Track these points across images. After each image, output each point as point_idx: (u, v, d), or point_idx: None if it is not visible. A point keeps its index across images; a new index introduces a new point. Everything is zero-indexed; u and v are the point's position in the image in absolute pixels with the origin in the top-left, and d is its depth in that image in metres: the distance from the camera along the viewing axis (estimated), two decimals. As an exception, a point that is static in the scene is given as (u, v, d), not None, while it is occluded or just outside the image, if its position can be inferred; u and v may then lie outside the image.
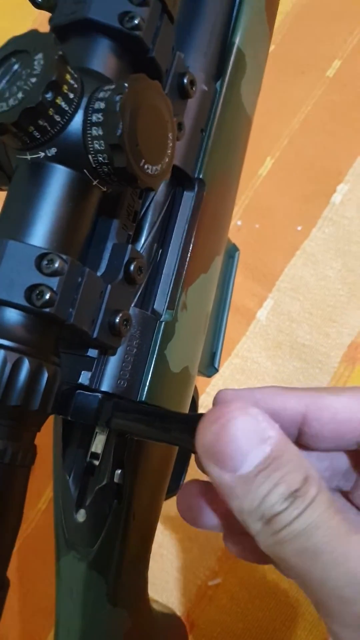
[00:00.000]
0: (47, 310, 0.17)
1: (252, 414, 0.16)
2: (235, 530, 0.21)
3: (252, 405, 0.16)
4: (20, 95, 0.17)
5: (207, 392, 0.41)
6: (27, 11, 0.59)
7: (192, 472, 0.34)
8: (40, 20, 0.61)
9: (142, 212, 0.25)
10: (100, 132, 0.18)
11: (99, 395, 0.22)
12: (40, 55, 0.17)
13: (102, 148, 0.18)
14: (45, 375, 0.18)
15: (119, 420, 0.22)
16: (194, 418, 0.17)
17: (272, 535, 0.15)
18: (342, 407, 0.19)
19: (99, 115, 0.18)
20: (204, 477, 0.18)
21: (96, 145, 0.18)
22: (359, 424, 0.19)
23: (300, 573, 0.15)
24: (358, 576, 0.15)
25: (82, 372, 0.22)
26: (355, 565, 0.15)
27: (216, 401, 0.20)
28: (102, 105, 0.18)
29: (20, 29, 0.63)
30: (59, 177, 0.19)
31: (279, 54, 0.32)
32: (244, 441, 0.15)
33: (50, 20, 0.21)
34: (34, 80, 0.17)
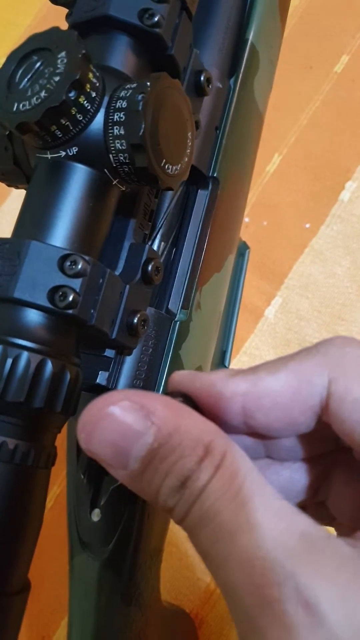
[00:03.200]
0: (70, 311, 0.17)
1: (127, 406, 0.14)
2: None
3: (128, 391, 0.14)
4: (43, 93, 0.16)
5: (215, 389, 0.41)
6: (30, 4, 0.59)
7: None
8: (43, 14, 0.61)
9: (158, 211, 0.24)
10: (122, 132, 0.17)
11: None
12: (63, 54, 0.17)
13: (124, 147, 0.18)
14: (68, 376, 0.17)
15: None
16: None
17: (183, 528, 0.14)
18: (281, 388, 0.15)
19: (121, 115, 0.17)
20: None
21: (117, 145, 0.18)
22: (306, 404, 0.15)
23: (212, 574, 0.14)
24: (235, 587, 0.12)
25: (100, 372, 0.22)
26: (233, 573, 0.13)
27: (168, 384, 0.18)
28: (124, 104, 0.17)
29: (23, 22, 0.62)
30: (79, 177, 0.18)
31: (287, 49, 0.32)
32: (122, 438, 0.14)
33: (68, 17, 0.21)
34: (57, 79, 0.16)
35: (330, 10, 0.49)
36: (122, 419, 0.14)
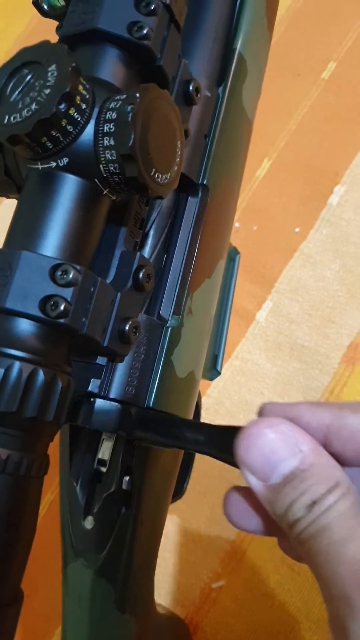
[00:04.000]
0: (62, 321, 0.17)
1: (282, 430, 0.18)
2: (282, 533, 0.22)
3: (285, 421, 0.18)
4: (34, 106, 0.17)
5: (207, 394, 0.42)
6: (22, 12, 0.59)
7: (194, 475, 0.34)
8: (33, 25, 0.61)
9: (148, 219, 0.25)
10: (112, 142, 0.18)
11: (118, 405, 0.22)
12: (53, 67, 0.17)
13: (114, 158, 0.18)
14: (60, 385, 0.18)
15: (142, 432, 0.22)
16: (230, 430, 0.19)
17: (296, 538, 0.17)
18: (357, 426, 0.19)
19: (111, 126, 0.18)
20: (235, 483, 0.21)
21: (107, 155, 0.18)
22: None
23: (316, 571, 0.17)
24: (341, 577, 0.16)
25: (91, 379, 0.22)
26: (341, 565, 0.16)
27: (261, 412, 0.21)
28: (113, 115, 0.18)
29: (15, 30, 0.62)
30: (70, 187, 0.19)
31: (275, 56, 0.32)
32: (272, 455, 0.18)
33: (58, 29, 0.21)
34: (47, 91, 0.17)
35: (317, 18, 0.49)
36: (278, 440, 0.18)
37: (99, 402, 0.22)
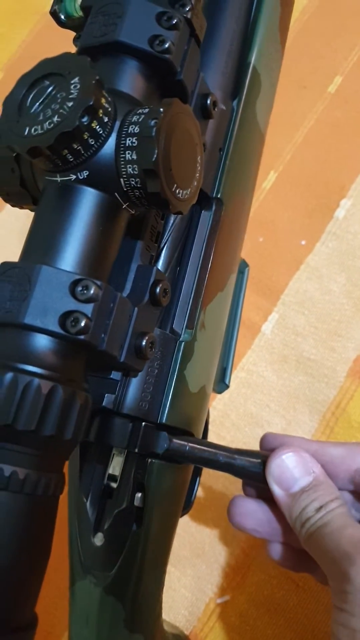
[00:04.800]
0: (82, 337, 0.17)
1: (303, 456, 0.25)
2: (277, 538, 0.29)
3: (302, 450, 0.26)
4: (56, 118, 0.16)
5: (213, 406, 0.41)
6: (25, 17, 0.59)
7: (198, 490, 0.33)
8: (38, 29, 0.61)
9: (163, 233, 0.24)
10: (134, 157, 0.17)
11: (143, 423, 0.22)
12: (76, 79, 0.17)
13: (136, 172, 0.18)
14: (78, 403, 0.17)
15: (176, 450, 0.24)
16: (263, 455, 0.26)
17: (306, 532, 0.24)
18: (336, 455, 0.26)
19: (133, 140, 0.17)
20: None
21: (129, 169, 0.18)
22: (352, 470, 0.26)
23: (320, 552, 0.23)
24: (346, 546, 0.22)
25: (106, 395, 0.22)
26: (343, 542, 0.22)
27: (278, 443, 0.27)
28: (136, 129, 0.17)
29: (18, 36, 0.62)
30: (89, 200, 0.18)
31: (282, 69, 0.32)
32: (295, 472, 0.25)
33: (76, 40, 0.21)
34: (70, 104, 0.16)
35: (323, 31, 0.50)
36: (299, 462, 0.25)
37: (114, 419, 0.21)
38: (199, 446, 0.24)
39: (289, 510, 0.25)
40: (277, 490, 0.25)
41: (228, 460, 0.25)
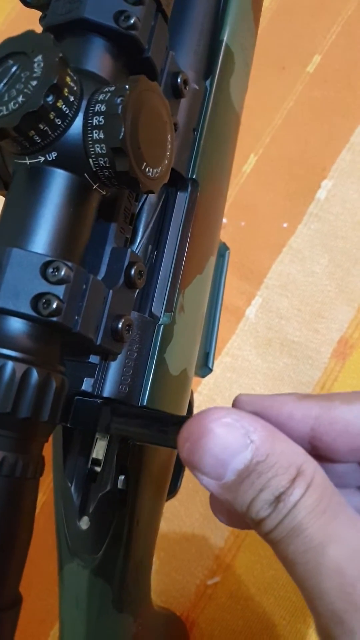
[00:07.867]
0: (54, 319, 0.17)
1: (227, 423, 0.15)
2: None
3: (231, 411, 0.16)
4: (20, 98, 0.16)
5: (199, 391, 0.41)
6: (0, 4, 0.58)
7: (186, 473, 0.34)
8: (12, 17, 0.60)
9: (138, 215, 0.24)
10: (102, 136, 0.17)
11: (98, 401, 0.21)
12: (40, 57, 0.16)
13: (104, 151, 0.17)
14: (54, 385, 0.17)
15: (118, 425, 0.21)
16: (184, 420, 0.17)
17: (265, 537, 0.16)
18: (354, 419, 0.17)
19: (100, 118, 0.17)
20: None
21: (97, 149, 0.18)
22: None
23: (297, 581, 0.15)
24: (325, 593, 0.14)
25: (85, 378, 0.22)
26: (324, 580, 0.14)
27: (234, 405, 0.19)
28: (102, 107, 0.17)
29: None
30: (59, 182, 0.18)
31: (259, 50, 0.32)
32: (222, 452, 0.15)
33: (42, 20, 0.21)
34: (34, 83, 0.16)
35: (301, 11, 0.49)
36: (224, 435, 0.15)
37: (90, 401, 0.21)
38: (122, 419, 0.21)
39: (230, 505, 0.16)
40: (205, 481, 0.16)
41: (156, 430, 0.20)
